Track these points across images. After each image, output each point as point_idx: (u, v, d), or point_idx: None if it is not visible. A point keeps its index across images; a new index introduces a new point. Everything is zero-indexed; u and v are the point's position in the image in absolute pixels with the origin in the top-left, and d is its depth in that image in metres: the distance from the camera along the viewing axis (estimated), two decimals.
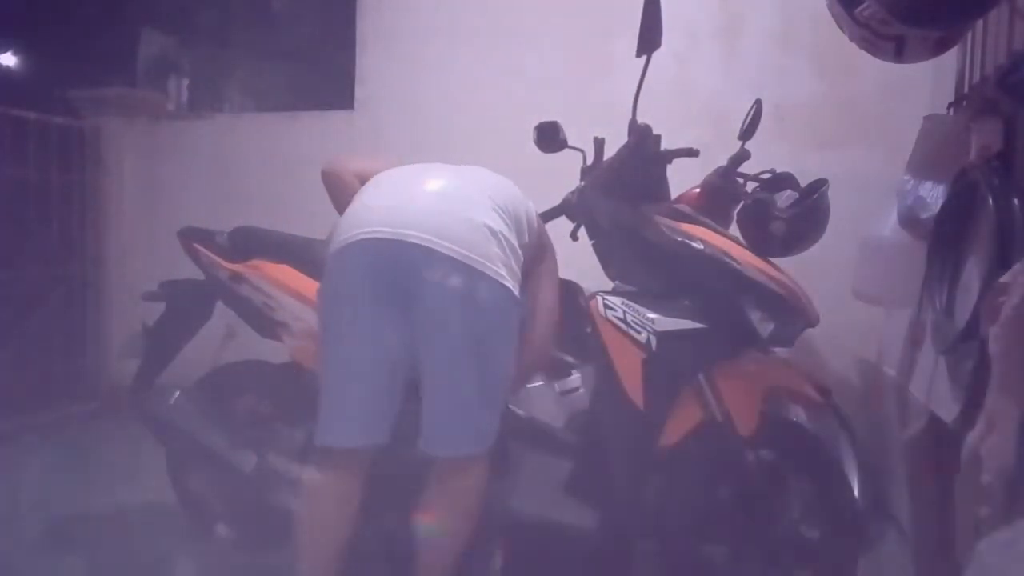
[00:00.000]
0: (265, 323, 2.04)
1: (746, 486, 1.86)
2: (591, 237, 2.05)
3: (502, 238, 1.65)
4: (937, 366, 1.71)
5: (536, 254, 1.86)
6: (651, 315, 1.83)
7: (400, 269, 1.58)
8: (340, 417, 1.66)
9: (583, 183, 2.09)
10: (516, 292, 1.65)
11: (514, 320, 1.69)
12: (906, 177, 1.95)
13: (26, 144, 3.46)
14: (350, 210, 1.72)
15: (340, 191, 1.85)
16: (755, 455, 1.85)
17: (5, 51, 5.55)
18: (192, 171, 3.74)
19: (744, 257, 1.87)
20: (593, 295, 1.90)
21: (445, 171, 1.79)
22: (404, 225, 1.60)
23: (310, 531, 1.68)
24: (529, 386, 1.93)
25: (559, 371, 2.00)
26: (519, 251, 1.70)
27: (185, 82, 4.82)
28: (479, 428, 1.64)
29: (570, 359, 1.99)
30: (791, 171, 2.10)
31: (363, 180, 1.81)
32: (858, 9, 1.59)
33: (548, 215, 2.03)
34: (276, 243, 2.08)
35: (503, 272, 1.62)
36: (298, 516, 1.70)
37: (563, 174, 2.19)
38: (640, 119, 1.94)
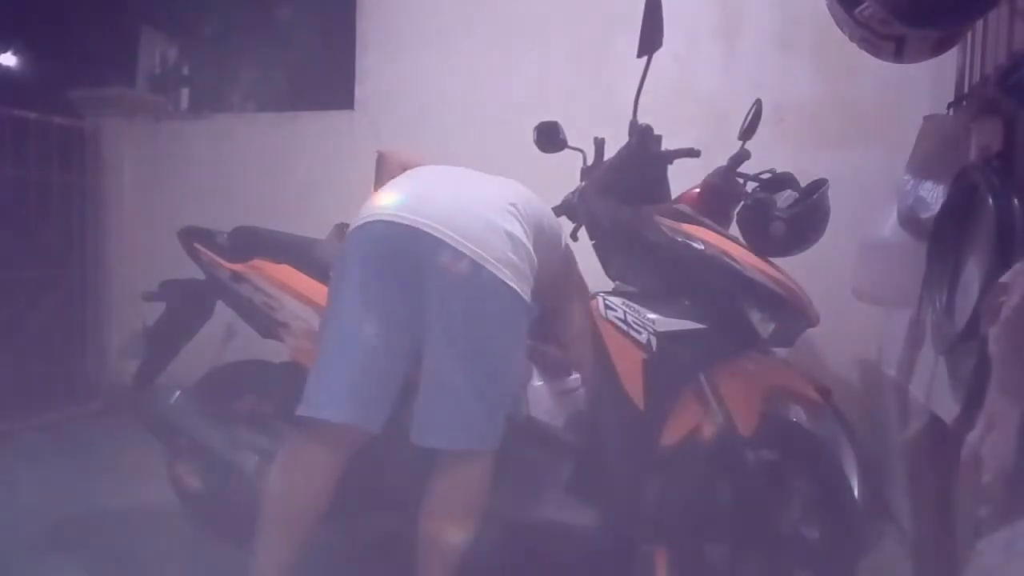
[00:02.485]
0: (265, 323, 2.04)
1: (746, 486, 1.86)
2: (591, 237, 2.05)
3: (518, 243, 1.65)
4: (937, 366, 1.71)
5: (562, 275, 1.90)
6: (651, 315, 1.83)
7: (410, 255, 1.60)
8: (328, 388, 1.63)
9: (583, 183, 2.09)
10: (525, 297, 1.65)
11: (519, 324, 1.69)
12: (906, 177, 1.96)
13: (26, 144, 3.46)
14: (374, 196, 1.76)
15: (383, 173, 1.91)
16: (755, 455, 1.85)
17: (5, 51, 5.54)
18: (192, 171, 3.74)
19: (744, 257, 1.87)
20: (593, 295, 1.90)
21: (474, 175, 1.82)
22: (421, 213, 1.62)
23: (277, 507, 1.64)
24: (530, 386, 1.94)
25: (559, 371, 2.00)
26: (535, 260, 1.70)
27: (185, 82, 4.82)
28: (472, 424, 1.63)
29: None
30: (791, 171, 2.10)
31: (406, 170, 1.86)
32: (858, 9, 1.59)
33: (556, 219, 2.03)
34: (276, 243, 2.08)
35: (511, 275, 1.62)
36: (267, 489, 1.66)
37: (563, 174, 2.19)
38: (640, 119, 1.94)
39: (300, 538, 1.65)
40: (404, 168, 1.87)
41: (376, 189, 1.86)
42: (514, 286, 1.62)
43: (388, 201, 1.69)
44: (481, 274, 1.59)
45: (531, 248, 1.69)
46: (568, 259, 1.96)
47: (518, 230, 1.67)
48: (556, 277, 1.89)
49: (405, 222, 1.62)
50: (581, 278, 2.02)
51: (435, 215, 1.62)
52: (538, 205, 1.82)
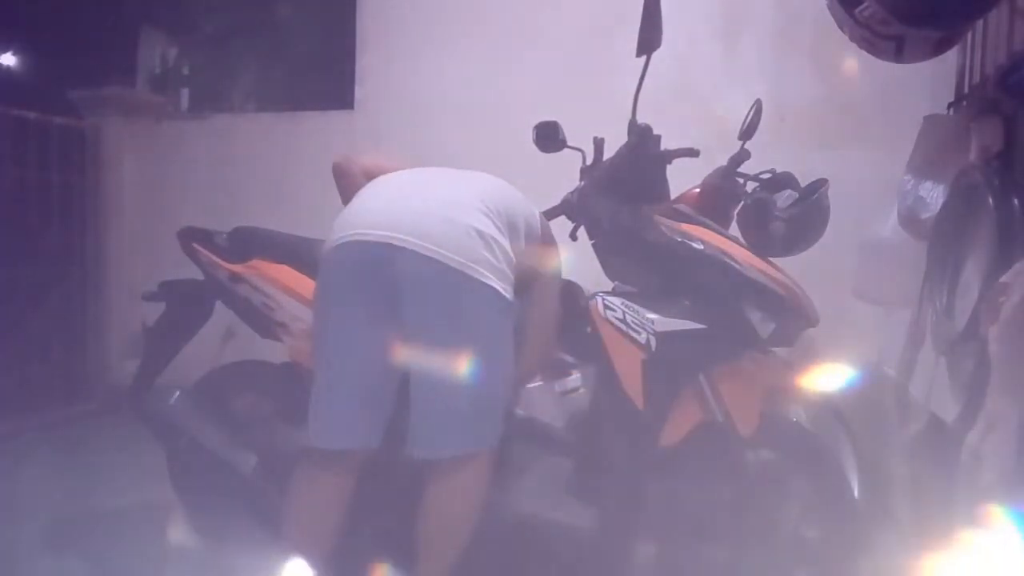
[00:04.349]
0: (265, 323, 2.04)
1: (746, 486, 1.86)
2: (591, 237, 2.05)
3: (490, 240, 1.64)
4: (937, 366, 1.71)
5: (542, 258, 1.86)
6: (651, 315, 1.83)
7: (385, 271, 1.59)
8: (329, 418, 1.67)
9: (583, 183, 2.09)
10: (506, 294, 1.65)
11: (504, 322, 1.68)
12: (906, 177, 1.96)
13: (26, 144, 3.46)
14: (344, 212, 1.74)
15: (346, 186, 1.88)
16: (755, 455, 1.84)
17: (5, 51, 5.54)
18: (192, 171, 3.74)
19: (744, 257, 1.87)
20: (593, 295, 1.90)
21: (441, 176, 1.80)
22: (389, 227, 1.61)
23: (297, 531, 1.69)
24: (529, 386, 1.93)
25: (559, 371, 2.00)
26: (510, 254, 1.69)
27: (185, 82, 4.82)
28: (466, 427, 1.64)
29: (570, 359, 1.99)
30: (791, 171, 2.09)
31: (371, 178, 1.83)
32: (858, 9, 1.59)
33: (548, 215, 2.03)
34: (276, 243, 2.07)
35: (488, 274, 1.61)
36: (286, 516, 1.70)
37: (563, 174, 2.19)
38: (640, 119, 1.94)
39: (324, 554, 1.67)
40: (367, 176, 1.84)
41: (343, 201, 1.84)
42: (494, 285, 1.62)
43: (357, 218, 1.68)
44: (458, 278, 1.59)
45: (507, 244, 1.68)
46: (546, 240, 1.89)
47: (491, 228, 1.66)
48: (536, 261, 1.85)
49: (376, 239, 1.60)
50: (557, 261, 1.93)
51: (406, 227, 1.60)
52: (508, 197, 1.78)
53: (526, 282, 1.79)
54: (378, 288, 1.60)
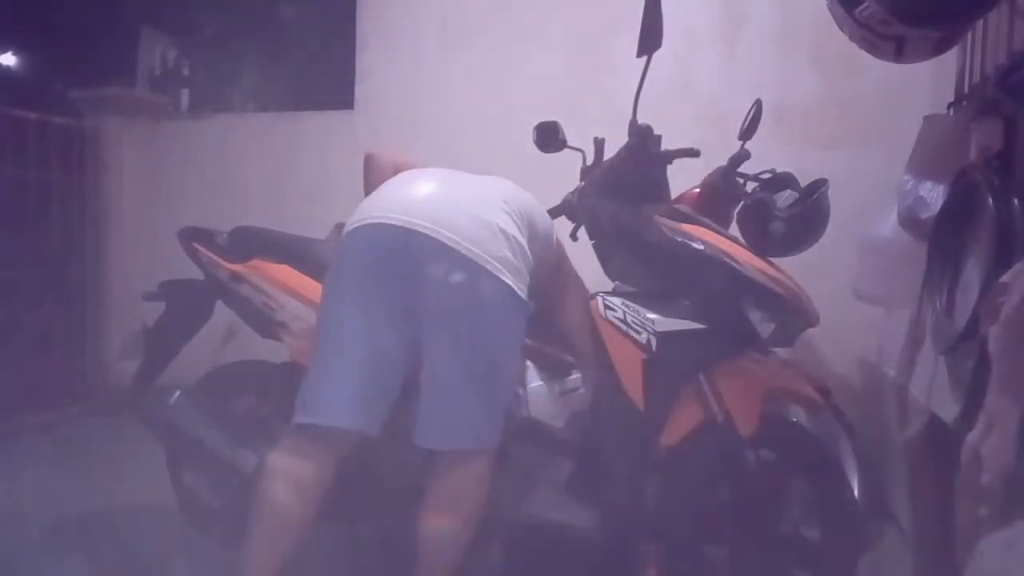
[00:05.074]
0: (265, 323, 2.04)
1: (746, 486, 1.86)
2: (591, 237, 2.05)
3: (512, 240, 1.66)
4: (937, 366, 1.71)
5: (556, 271, 1.90)
6: (651, 315, 1.83)
7: (404, 256, 1.61)
8: (327, 394, 1.63)
9: (583, 183, 2.09)
10: (521, 294, 1.65)
11: (517, 321, 1.69)
12: (906, 177, 1.95)
13: (26, 144, 3.46)
14: (368, 197, 1.77)
15: (373, 175, 1.91)
16: (755, 455, 1.85)
17: (5, 51, 5.55)
18: (192, 171, 3.74)
19: (744, 257, 1.87)
20: (593, 295, 1.90)
21: (463, 175, 1.82)
22: (413, 214, 1.63)
23: (267, 512, 1.61)
24: (530, 386, 1.94)
25: (559, 371, 2.00)
26: (529, 256, 1.71)
27: (185, 82, 4.83)
28: (472, 424, 1.64)
29: (570, 359, 1.99)
30: (791, 171, 2.10)
31: (398, 172, 1.85)
32: (858, 9, 1.59)
33: (549, 215, 2.03)
34: (276, 243, 2.08)
35: (507, 271, 1.62)
36: (257, 494, 1.63)
37: (563, 174, 2.19)
38: (640, 119, 1.94)
39: (292, 542, 1.63)
40: (395, 170, 1.86)
41: (366, 191, 1.86)
42: (511, 284, 1.63)
43: (382, 203, 1.69)
44: (478, 273, 1.60)
45: (526, 245, 1.70)
46: (560, 253, 1.96)
47: (513, 228, 1.68)
48: (550, 271, 1.89)
49: (400, 224, 1.62)
50: (574, 270, 2.01)
51: (430, 216, 1.62)
52: (529, 202, 1.81)
53: (538, 284, 1.80)
54: (397, 272, 1.61)
